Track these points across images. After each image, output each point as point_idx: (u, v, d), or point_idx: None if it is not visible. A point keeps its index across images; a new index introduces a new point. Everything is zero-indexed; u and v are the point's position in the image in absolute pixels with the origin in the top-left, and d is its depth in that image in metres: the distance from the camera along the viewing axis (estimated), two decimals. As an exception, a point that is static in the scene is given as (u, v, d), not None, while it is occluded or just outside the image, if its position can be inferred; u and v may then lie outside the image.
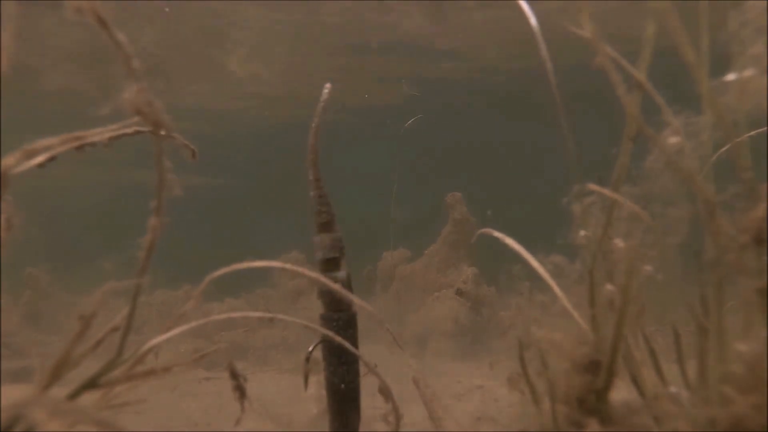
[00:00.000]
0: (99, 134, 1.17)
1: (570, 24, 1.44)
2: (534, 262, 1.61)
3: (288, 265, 1.44)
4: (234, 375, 1.49)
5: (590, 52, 1.38)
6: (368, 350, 4.90)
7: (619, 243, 1.45)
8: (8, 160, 1.14)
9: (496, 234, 1.73)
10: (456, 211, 6.33)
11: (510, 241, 1.68)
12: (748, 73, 1.23)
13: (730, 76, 1.26)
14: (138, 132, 1.25)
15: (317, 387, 3.38)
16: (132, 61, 1.15)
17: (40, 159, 1.18)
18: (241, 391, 1.50)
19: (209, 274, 1.37)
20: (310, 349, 1.86)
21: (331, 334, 1.66)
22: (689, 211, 1.43)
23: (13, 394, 1.15)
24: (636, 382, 1.53)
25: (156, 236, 1.25)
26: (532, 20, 1.43)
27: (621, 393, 1.55)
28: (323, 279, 1.50)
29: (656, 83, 1.41)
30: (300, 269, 1.44)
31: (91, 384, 1.22)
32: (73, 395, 1.20)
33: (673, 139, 1.36)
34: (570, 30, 1.45)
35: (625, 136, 1.47)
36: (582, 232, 1.54)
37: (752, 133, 1.40)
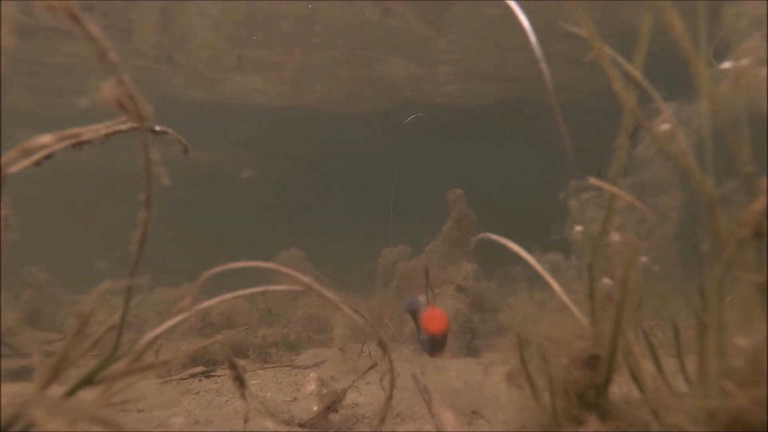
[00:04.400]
0: (94, 131, 1.16)
1: (564, 21, 1.43)
2: (532, 261, 1.60)
3: (281, 267, 1.43)
4: (233, 366, 1.48)
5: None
6: (369, 347, 4.90)
7: (615, 236, 1.44)
8: (5, 158, 1.14)
9: (495, 237, 1.74)
10: (457, 208, 6.32)
11: (508, 243, 1.68)
12: (744, 62, 1.22)
13: (726, 65, 1.25)
14: (133, 129, 1.24)
15: (317, 384, 3.38)
16: (109, 54, 1.10)
17: (36, 157, 1.17)
18: (240, 381, 1.50)
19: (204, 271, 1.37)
20: None
21: None
22: (683, 200, 1.43)
23: (14, 392, 1.15)
24: (635, 376, 1.53)
25: (147, 230, 1.24)
26: (523, 20, 1.42)
27: (621, 388, 1.55)
28: (316, 285, 1.49)
29: (653, 75, 1.41)
30: (291, 272, 1.43)
31: (87, 381, 1.21)
32: (70, 392, 1.20)
33: (665, 126, 1.36)
34: (565, 27, 1.45)
35: (622, 131, 1.46)
36: (578, 227, 1.53)
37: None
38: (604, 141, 1.56)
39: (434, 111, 15.32)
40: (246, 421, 1.59)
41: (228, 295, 1.43)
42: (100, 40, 1.09)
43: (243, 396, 1.55)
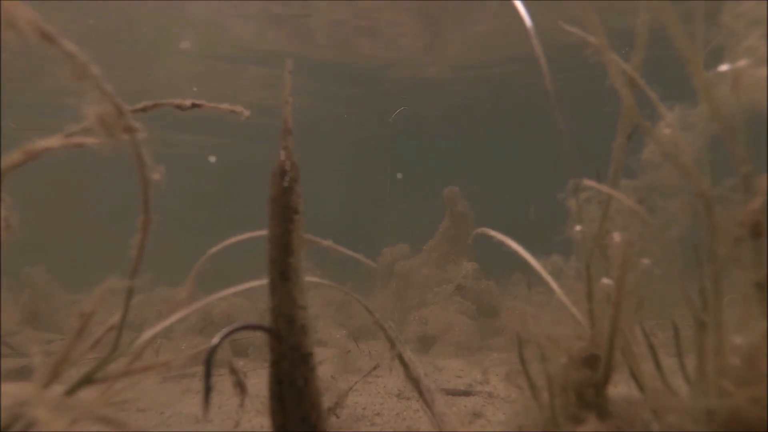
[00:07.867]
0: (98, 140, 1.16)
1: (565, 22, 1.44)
2: (531, 260, 1.61)
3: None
4: (234, 371, 1.48)
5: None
6: (369, 346, 4.91)
7: (616, 237, 1.45)
8: (8, 160, 1.14)
9: (493, 233, 1.74)
10: (455, 206, 6.32)
11: (507, 240, 1.68)
12: (742, 63, 1.22)
13: (724, 67, 1.26)
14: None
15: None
16: (89, 68, 1.05)
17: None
18: (241, 387, 1.50)
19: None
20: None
21: None
22: (688, 203, 1.43)
23: (14, 392, 1.16)
24: (635, 376, 1.53)
25: (146, 235, 1.24)
26: (526, 18, 1.43)
27: (620, 388, 1.56)
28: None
29: (651, 76, 1.41)
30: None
31: (87, 379, 1.22)
32: (71, 391, 1.21)
33: (667, 131, 1.36)
34: (568, 29, 1.45)
35: (619, 131, 1.47)
36: (578, 227, 1.54)
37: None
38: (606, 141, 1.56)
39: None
40: (237, 426, 1.56)
41: (229, 290, 1.44)
42: (78, 56, 1.04)
43: (242, 404, 1.55)
